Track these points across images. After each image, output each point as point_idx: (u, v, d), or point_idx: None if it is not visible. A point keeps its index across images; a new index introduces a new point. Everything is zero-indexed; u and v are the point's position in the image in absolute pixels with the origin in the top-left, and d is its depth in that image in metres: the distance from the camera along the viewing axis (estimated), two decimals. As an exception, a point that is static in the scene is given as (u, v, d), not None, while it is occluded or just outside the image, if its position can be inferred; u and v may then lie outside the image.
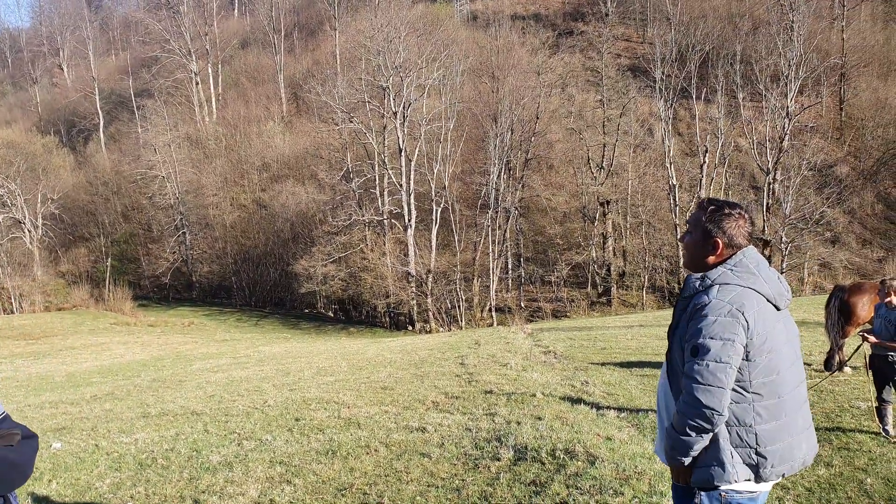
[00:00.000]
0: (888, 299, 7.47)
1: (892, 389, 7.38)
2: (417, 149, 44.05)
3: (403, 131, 43.74)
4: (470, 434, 7.95)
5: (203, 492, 6.55)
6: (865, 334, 7.43)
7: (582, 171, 47.12)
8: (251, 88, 70.89)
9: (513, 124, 45.07)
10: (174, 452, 8.13)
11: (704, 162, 43.69)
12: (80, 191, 64.09)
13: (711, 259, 3.13)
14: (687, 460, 2.96)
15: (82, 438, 9.53)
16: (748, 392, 2.91)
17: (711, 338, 2.84)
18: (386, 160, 44.38)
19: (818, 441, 7.16)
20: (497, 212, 44.20)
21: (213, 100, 72.57)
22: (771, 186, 43.70)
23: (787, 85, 44.54)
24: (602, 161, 46.87)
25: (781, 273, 39.49)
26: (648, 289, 43.89)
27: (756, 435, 2.91)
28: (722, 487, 2.96)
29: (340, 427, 8.81)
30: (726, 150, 45.71)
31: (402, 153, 43.46)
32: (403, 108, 43.81)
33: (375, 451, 7.51)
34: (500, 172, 44.30)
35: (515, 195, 45.39)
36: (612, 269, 44.88)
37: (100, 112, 73.80)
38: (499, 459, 6.84)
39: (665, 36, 51.42)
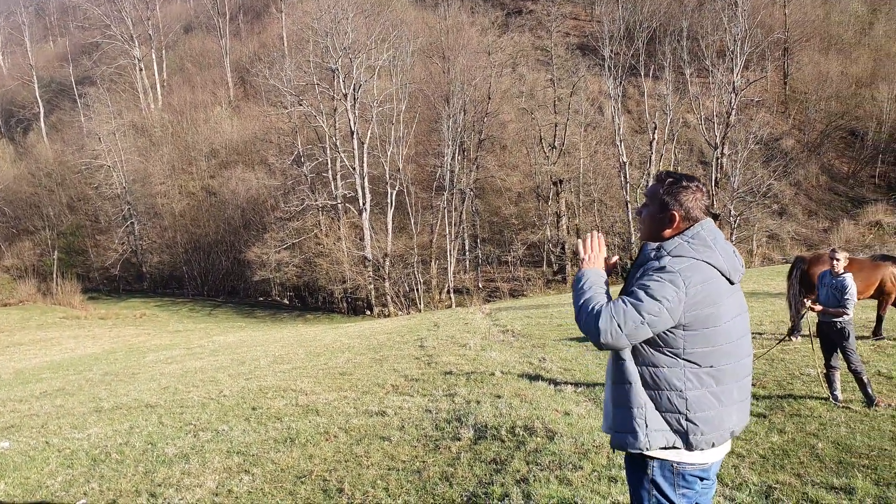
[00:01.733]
0: (833, 266, 7.64)
1: (840, 356, 7.57)
2: (370, 131, 43.63)
3: (354, 113, 43.25)
4: (430, 415, 7.95)
5: (159, 485, 6.42)
6: (810, 304, 7.61)
7: (535, 151, 47.27)
8: (197, 73, 69.33)
9: (465, 105, 44.91)
10: (128, 446, 7.96)
11: (654, 139, 44.23)
12: (23, 182, 62.08)
13: (668, 232, 3.13)
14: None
15: (32, 436, 9.26)
16: (681, 358, 2.92)
17: (644, 289, 2.88)
18: (338, 143, 43.89)
19: (770, 409, 7.34)
20: (452, 193, 44.12)
21: (158, 86, 70.75)
22: (719, 161, 44.48)
23: (732, 60, 45.24)
24: (554, 140, 47.08)
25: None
26: (602, 265, 44.29)
27: (686, 401, 2.92)
28: (673, 459, 2.97)
29: (298, 415, 8.72)
30: (675, 126, 46.31)
31: (354, 136, 43.03)
32: (353, 89, 43.32)
33: (335, 437, 7.45)
34: (454, 154, 44.17)
35: (470, 176, 45.34)
36: (566, 247, 45.25)
37: (39, 101, 71.33)
38: (459, 439, 6.84)
39: (613, 13, 51.70)
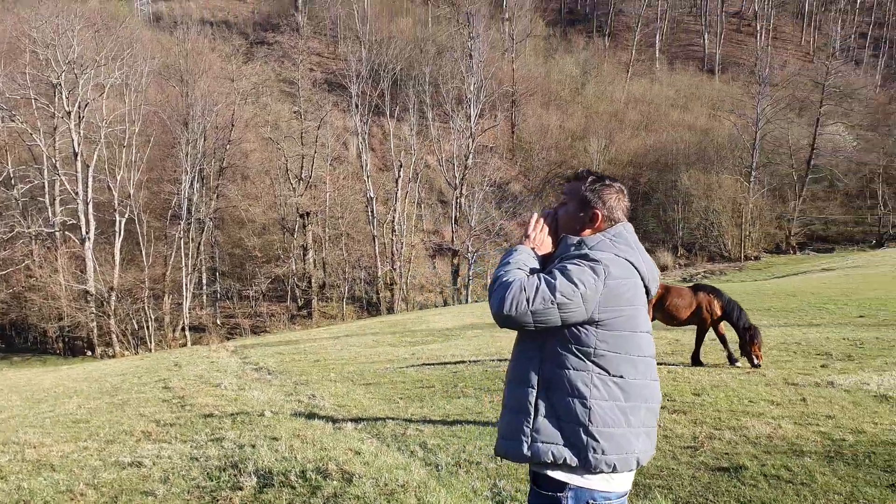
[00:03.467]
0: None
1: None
2: (96, 153, 39.84)
3: (79, 133, 39.29)
4: (198, 463, 7.00)
5: None
6: None
7: (280, 183, 46.35)
8: None
9: (206, 130, 42.86)
10: None
11: (399, 176, 45.49)
12: None
13: (587, 232, 2.92)
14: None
15: None
16: (590, 360, 2.67)
17: (561, 271, 2.66)
18: (58, 165, 39.47)
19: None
20: (190, 223, 41.62)
21: None
22: (458, 200, 46.86)
23: (469, 107, 48.23)
24: (301, 172, 46.52)
25: (469, 280, 42.71)
26: (348, 300, 44.42)
27: (590, 411, 2.64)
28: (584, 486, 2.66)
29: (29, 471, 7.24)
30: (418, 166, 48.09)
31: (78, 158, 39.01)
32: (79, 107, 39.40)
33: (82, 495, 6.24)
34: (192, 181, 41.79)
35: (210, 205, 43.16)
36: (312, 281, 44.64)
37: None
38: (241, 488, 6.04)
39: (358, 53, 52.78)
